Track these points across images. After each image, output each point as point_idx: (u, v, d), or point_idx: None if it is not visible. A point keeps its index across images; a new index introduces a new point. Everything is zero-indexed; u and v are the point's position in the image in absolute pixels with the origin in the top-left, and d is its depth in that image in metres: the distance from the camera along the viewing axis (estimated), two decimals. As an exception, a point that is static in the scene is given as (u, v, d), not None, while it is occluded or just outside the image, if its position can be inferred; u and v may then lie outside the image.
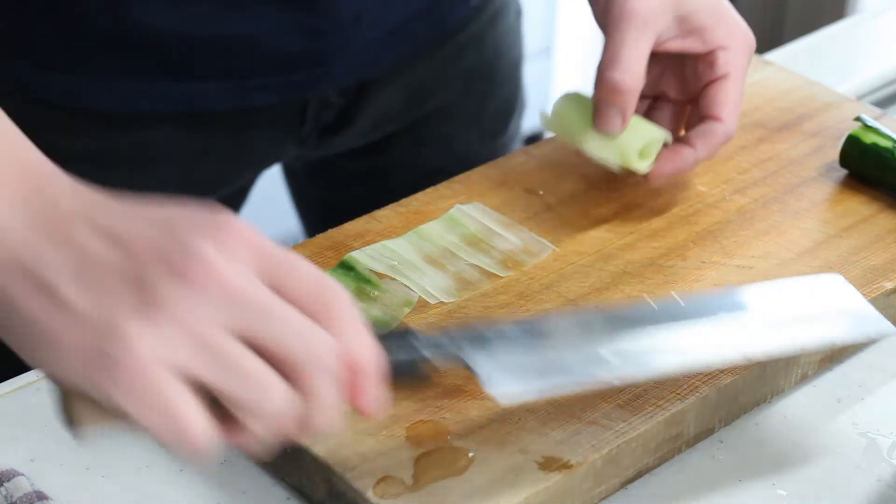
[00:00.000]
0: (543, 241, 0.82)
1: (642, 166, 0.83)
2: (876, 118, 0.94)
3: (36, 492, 0.67)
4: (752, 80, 1.00)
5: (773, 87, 1.00)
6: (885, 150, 0.87)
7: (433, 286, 0.79)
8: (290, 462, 0.68)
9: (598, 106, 0.82)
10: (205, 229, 0.54)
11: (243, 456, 0.71)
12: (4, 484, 0.67)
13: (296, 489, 0.69)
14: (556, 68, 2.59)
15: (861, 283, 0.79)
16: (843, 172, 0.90)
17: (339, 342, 0.56)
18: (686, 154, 0.84)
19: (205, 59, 0.90)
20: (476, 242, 0.82)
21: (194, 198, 0.81)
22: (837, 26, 1.21)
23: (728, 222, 0.85)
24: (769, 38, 2.41)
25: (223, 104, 0.93)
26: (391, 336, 0.62)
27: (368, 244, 0.82)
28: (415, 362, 0.62)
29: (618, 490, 0.70)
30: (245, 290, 0.54)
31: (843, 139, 0.89)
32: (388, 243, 0.82)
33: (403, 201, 0.86)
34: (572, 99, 0.85)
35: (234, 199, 1.05)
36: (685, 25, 0.83)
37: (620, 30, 0.82)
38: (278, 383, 0.54)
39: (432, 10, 0.98)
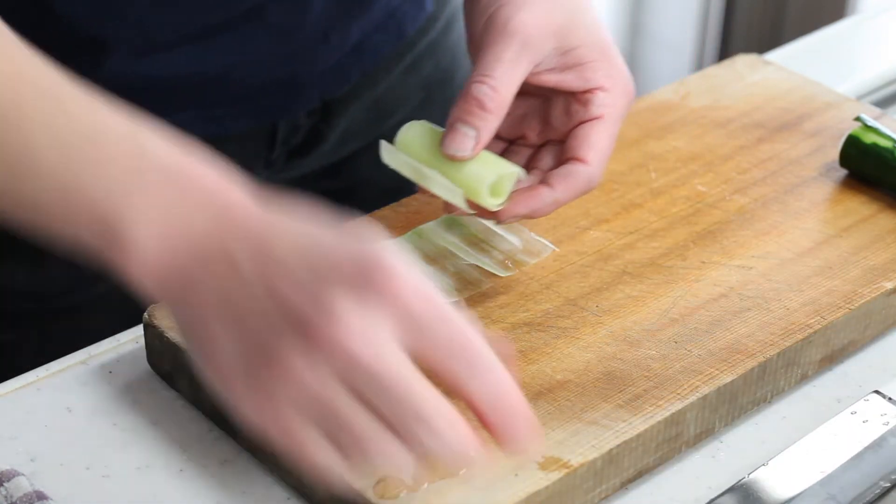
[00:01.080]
0: (543, 240, 0.82)
1: (493, 203, 0.75)
2: (876, 118, 0.94)
3: (36, 492, 0.67)
4: (752, 80, 1.00)
5: (773, 87, 1.00)
6: (885, 150, 0.87)
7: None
8: (290, 462, 0.68)
9: (452, 124, 0.75)
10: (354, 282, 0.56)
11: (243, 456, 0.71)
12: (4, 484, 0.67)
13: (296, 489, 0.69)
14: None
15: (861, 283, 0.79)
16: (843, 172, 0.90)
17: (482, 393, 0.58)
18: (544, 194, 0.76)
19: (177, 95, 0.89)
20: (476, 242, 0.82)
21: None
22: (837, 26, 1.21)
23: (728, 222, 0.85)
24: (769, 38, 2.41)
25: (194, 133, 0.92)
26: None
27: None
28: None
29: (618, 490, 0.70)
30: (380, 361, 0.56)
31: (843, 139, 0.89)
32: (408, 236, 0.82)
33: (403, 201, 0.86)
34: (417, 128, 0.78)
35: None
36: (567, 59, 0.77)
37: (499, 47, 0.75)
38: (390, 443, 0.57)
39: (391, 19, 0.97)
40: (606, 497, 0.70)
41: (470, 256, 0.81)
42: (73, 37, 0.84)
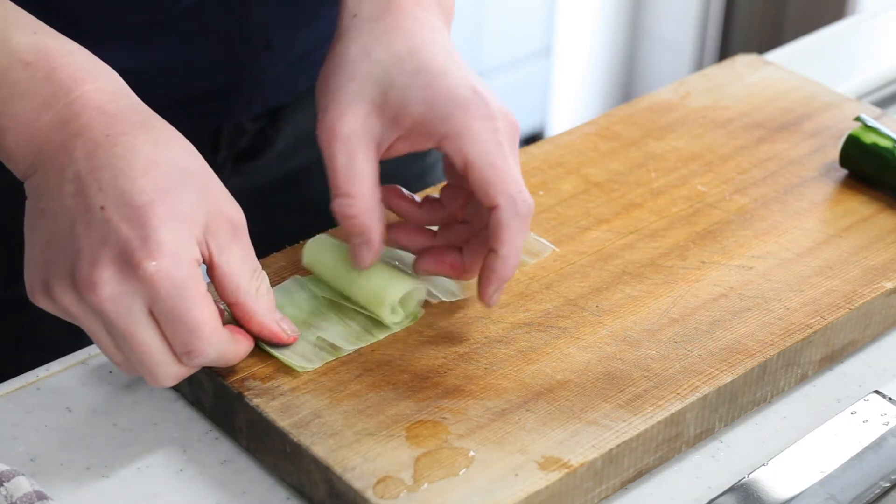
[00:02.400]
0: (543, 241, 0.82)
1: (393, 320, 0.76)
2: (876, 118, 0.94)
3: (36, 492, 0.67)
4: (752, 80, 1.00)
5: (773, 87, 1.00)
6: (885, 150, 0.87)
7: (435, 286, 0.79)
8: (290, 462, 0.69)
9: (348, 241, 0.76)
10: (121, 260, 0.66)
11: (243, 456, 0.71)
12: (4, 484, 0.67)
13: (296, 489, 0.69)
14: (556, 68, 2.59)
15: (861, 283, 0.79)
16: (843, 172, 0.90)
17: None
18: (494, 264, 0.73)
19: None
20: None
21: None
22: (837, 26, 1.21)
23: (728, 222, 0.85)
24: (769, 38, 2.41)
25: None
26: None
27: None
28: None
29: (618, 490, 0.70)
30: (130, 327, 0.67)
31: (843, 139, 0.89)
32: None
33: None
34: (323, 241, 0.80)
35: None
36: (401, 125, 0.74)
37: (328, 152, 0.74)
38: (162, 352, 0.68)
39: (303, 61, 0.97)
40: (606, 497, 0.70)
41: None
42: None
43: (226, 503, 0.69)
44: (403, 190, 0.79)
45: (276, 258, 0.81)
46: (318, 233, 0.82)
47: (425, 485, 0.65)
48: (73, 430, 0.72)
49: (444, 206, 0.79)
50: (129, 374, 0.70)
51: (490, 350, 0.74)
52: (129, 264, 0.65)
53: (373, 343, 0.74)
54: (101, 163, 0.67)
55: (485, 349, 0.74)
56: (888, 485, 0.70)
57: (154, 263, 0.65)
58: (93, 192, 0.66)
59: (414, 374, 0.72)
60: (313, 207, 1.05)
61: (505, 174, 0.72)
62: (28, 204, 0.69)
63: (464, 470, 0.66)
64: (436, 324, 0.76)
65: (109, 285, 0.66)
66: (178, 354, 0.68)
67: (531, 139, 2.46)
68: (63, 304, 0.67)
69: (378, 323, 0.76)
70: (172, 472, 0.70)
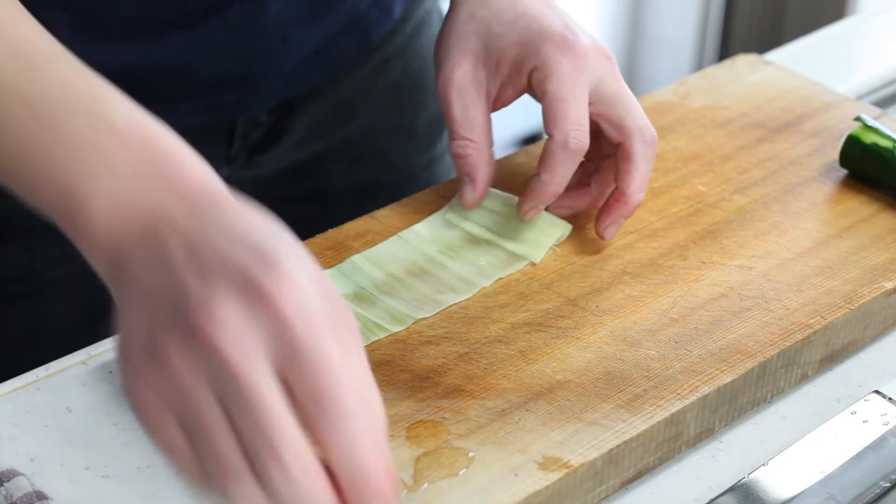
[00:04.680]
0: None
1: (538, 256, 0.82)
2: (876, 118, 0.94)
3: (36, 492, 0.67)
4: (752, 80, 1.00)
5: (773, 87, 1.00)
6: (885, 150, 0.87)
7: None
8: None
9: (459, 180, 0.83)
10: (245, 284, 0.54)
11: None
12: (4, 484, 0.67)
13: (296, 489, 0.69)
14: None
15: (861, 283, 0.79)
16: (843, 172, 0.90)
17: (337, 453, 0.53)
18: (534, 183, 0.81)
19: (133, 86, 0.89)
20: (479, 242, 0.82)
21: None
22: (837, 26, 1.21)
23: (728, 222, 0.85)
24: (769, 38, 2.41)
25: None
26: None
27: (368, 244, 0.82)
28: None
29: (618, 490, 0.70)
30: (249, 379, 0.53)
31: (843, 139, 0.89)
32: (388, 243, 0.82)
33: (404, 201, 0.86)
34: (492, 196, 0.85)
35: None
36: (502, 71, 0.83)
37: (445, 101, 0.82)
38: (243, 473, 0.54)
39: (355, 25, 0.97)
40: (606, 497, 0.70)
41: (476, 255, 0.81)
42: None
43: (226, 503, 0.69)
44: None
45: (276, 258, 0.81)
46: (327, 222, 0.84)
47: (425, 485, 0.65)
48: (73, 430, 0.72)
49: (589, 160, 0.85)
50: (220, 485, 0.55)
51: (490, 350, 0.74)
52: (252, 290, 0.54)
53: (373, 343, 0.74)
54: (210, 220, 0.58)
55: (485, 349, 0.74)
56: (888, 485, 0.70)
57: (281, 290, 0.54)
58: (203, 240, 0.57)
59: (414, 374, 0.72)
60: (322, 196, 1.05)
61: (568, 109, 0.79)
62: (116, 284, 0.59)
63: (464, 470, 0.66)
64: (436, 324, 0.76)
65: (230, 317, 0.53)
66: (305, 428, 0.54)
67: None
68: (171, 364, 0.54)
69: (379, 321, 0.75)
70: (172, 472, 0.70)
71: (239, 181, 1.07)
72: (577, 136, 0.79)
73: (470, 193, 0.82)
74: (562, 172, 0.80)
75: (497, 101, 0.84)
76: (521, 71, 0.82)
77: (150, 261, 0.57)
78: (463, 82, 0.82)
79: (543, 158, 0.80)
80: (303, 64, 0.95)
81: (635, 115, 0.81)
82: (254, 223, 0.58)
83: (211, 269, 0.55)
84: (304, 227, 0.87)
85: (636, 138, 0.81)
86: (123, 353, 0.57)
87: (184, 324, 0.54)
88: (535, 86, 0.81)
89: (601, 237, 0.82)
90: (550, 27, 0.81)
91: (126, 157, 0.60)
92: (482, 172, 0.82)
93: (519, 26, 0.82)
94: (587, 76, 0.81)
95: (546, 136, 0.81)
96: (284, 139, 0.99)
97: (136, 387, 0.55)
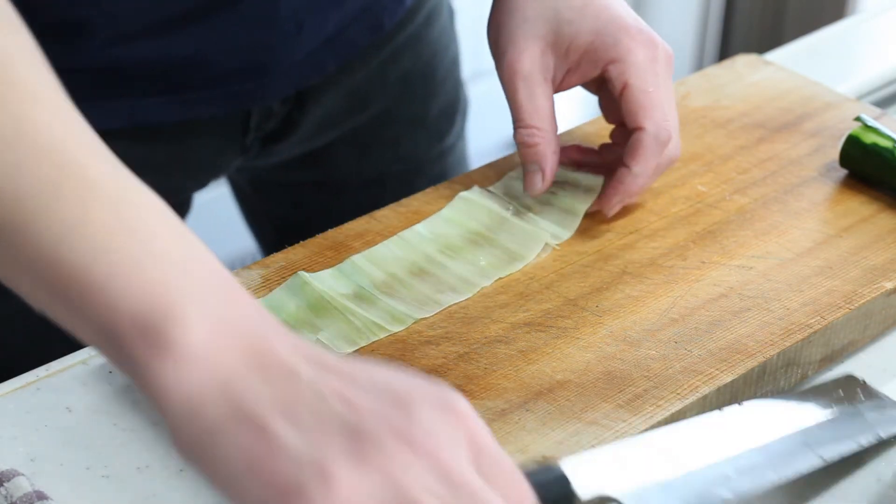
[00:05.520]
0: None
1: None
2: (876, 118, 0.94)
3: (36, 492, 0.67)
4: (752, 80, 1.00)
5: (773, 87, 1.00)
6: (885, 150, 0.87)
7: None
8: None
9: (523, 168, 0.84)
10: (433, 405, 0.53)
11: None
12: (4, 484, 0.67)
13: (296, 489, 0.69)
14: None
15: (861, 283, 0.79)
16: (843, 172, 0.90)
17: None
18: (624, 176, 0.82)
19: (150, 78, 0.90)
20: (479, 242, 0.82)
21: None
22: (837, 26, 1.20)
23: (728, 222, 0.85)
24: (769, 38, 2.41)
25: (165, 117, 0.92)
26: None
27: (368, 244, 0.82)
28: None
29: (618, 490, 0.70)
30: (461, 470, 0.52)
31: (843, 139, 0.89)
32: (388, 243, 0.82)
33: (404, 201, 0.86)
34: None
35: (177, 211, 1.03)
36: (570, 58, 0.83)
37: (510, 88, 0.82)
38: None
39: (368, 13, 0.98)
40: (606, 497, 0.70)
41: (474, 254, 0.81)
42: (50, 19, 0.83)
43: (226, 503, 0.69)
44: (582, 146, 0.88)
45: (276, 258, 0.81)
46: (336, 211, 0.86)
47: (425, 485, 0.65)
48: (73, 430, 0.72)
49: (618, 145, 0.85)
50: None
51: (490, 350, 0.74)
52: (447, 406, 0.53)
53: (373, 343, 0.74)
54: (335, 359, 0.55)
55: (485, 349, 0.74)
56: (867, 444, 0.70)
57: (465, 404, 0.54)
58: (360, 372, 0.54)
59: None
60: (331, 184, 1.06)
61: (655, 101, 0.80)
62: (223, 403, 0.53)
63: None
64: (436, 324, 0.76)
65: (439, 429, 0.52)
66: None
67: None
68: (387, 472, 0.51)
69: (379, 321, 0.75)
70: (172, 472, 0.70)
71: (251, 169, 1.09)
72: (666, 125, 0.81)
73: (539, 182, 0.83)
74: (653, 164, 0.81)
75: (561, 85, 0.84)
76: (594, 61, 0.82)
77: (281, 384, 0.53)
78: (530, 68, 0.82)
79: (634, 151, 0.81)
80: (316, 52, 0.95)
81: (662, 112, 0.81)
82: (364, 367, 0.55)
83: (400, 398, 0.53)
84: (312, 217, 0.88)
85: (649, 129, 0.81)
86: (280, 471, 0.51)
87: (397, 435, 0.51)
88: (613, 78, 0.81)
89: (606, 214, 0.83)
90: (623, 18, 0.82)
91: (221, 295, 0.55)
92: (550, 161, 0.82)
93: (590, 14, 0.82)
94: (662, 67, 0.82)
95: (630, 129, 0.81)
96: (298, 130, 1.00)
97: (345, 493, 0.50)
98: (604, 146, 0.87)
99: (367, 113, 1.03)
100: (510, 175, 0.88)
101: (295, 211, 1.09)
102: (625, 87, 0.81)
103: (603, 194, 0.83)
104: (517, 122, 0.82)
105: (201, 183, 1.02)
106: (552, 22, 0.82)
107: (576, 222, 0.84)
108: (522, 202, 0.85)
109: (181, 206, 1.04)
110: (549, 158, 0.82)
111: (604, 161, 0.86)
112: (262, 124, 0.97)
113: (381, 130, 1.05)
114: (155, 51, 0.88)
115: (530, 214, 0.84)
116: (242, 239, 1.42)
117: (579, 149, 0.88)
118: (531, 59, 0.82)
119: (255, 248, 1.23)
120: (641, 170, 0.81)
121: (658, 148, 0.81)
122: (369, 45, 0.99)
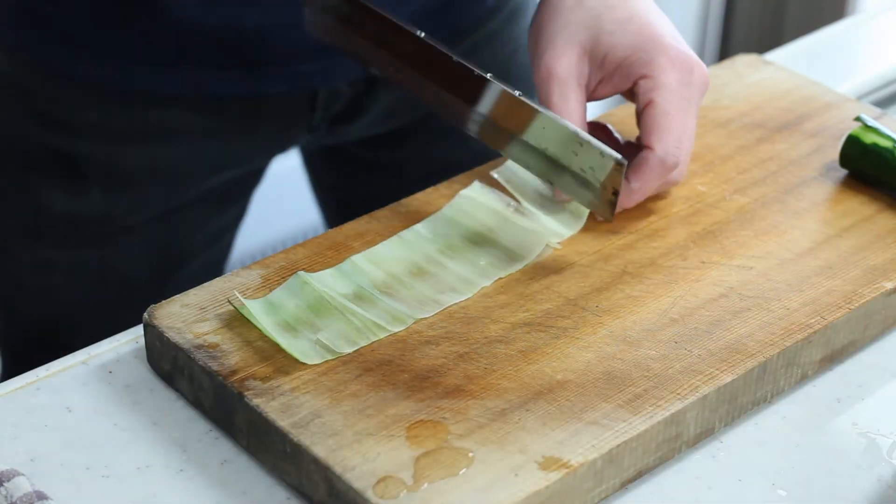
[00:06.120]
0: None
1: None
2: (876, 118, 0.94)
3: (36, 492, 0.67)
4: (752, 80, 1.00)
5: (773, 87, 1.00)
6: (885, 150, 0.87)
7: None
8: (290, 462, 0.68)
9: None
10: None
11: (243, 456, 0.71)
12: (4, 484, 0.67)
13: (296, 489, 0.69)
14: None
15: (861, 283, 0.79)
16: (843, 172, 0.90)
17: None
18: (622, 189, 0.81)
19: (220, 48, 0.93)
20: (479, 242, 0.82)
21: (204, 174, 0.82)
22: (837, 26, 1.21)
23: (728, 222, 0.85)
24: (769, 38, 2.41)
25: (234, 90, 0.95)
26: None
27: (368, 244, 0.82)
28: None
29: (618, 490, 0.70)
30: None
31: (843, 139, 0.89)
32: (388, 243, 0.82)
33: (404, 201, 0.86)
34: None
35: (250, 181, 1.07)
36: (605, 68, 0.83)
37: (544, 90, 0.82)
38: None
39: (445, 8, 0.98)
40: (606, 497, 0.70)
41: (475, 254, 0.81)
42: None
43: (226, 503, 0.69)
44: (612, 130, 0.88)
45: (277, 258, 0.81)
46: (400, 194, 0.86)
47: (425, 485, 0.65)
48: (73, 430, 0.72)
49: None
50: None
51: (490, 350, 0.74)
52: None
53: (373, 343, 0.74)
54: None
55: (485, 349, 0.74)
56: None
57: None
58: None
59: (414, 374, 0.72)
60: (397, 168, 1.07)
61: (673, 125, 0.80)
62: None
63: (464, 470, 0.66)
64: (436, 324, 0.76)
65: None
66: None
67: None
68: None
69: (379, 321, 0.75)
70: (172, 472, 0.70)
71: (319, 148, 1.11)
72: (676, 152, 0.81)
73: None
74: (653, 184, 0.82)
75: (592, 95, 0.84)
76: (627, 74, 0.82)
77: None
78: (566, 73, 0.82)
79: (638, 168, 0.81)
80: (421, 21, 0.95)
81: (676, 137, 0.81)
82: None
83: None
84: (375, 195, 0.90)
85: (658, 152, 0.81)
86: None
87: None
88: (640, 94, 0.82)
89: (598, 219, 0.83)
90: (664, 37, 0.82)
91: None
92: None
93: (632, 29, 0.82)
94: (694, 92, 0.82)
95: (642, 146, 0.82)
96: (366, 114, 1.01)
97: None
98: (628, 143, 0.87)
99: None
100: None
101: (361, 187, 1.12)
102: (648, 104, 0.81)
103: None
104: None
105: (270, 155, 1.05)
106: (593, 30, 0.82)
107: (581, 221, 0.84)
108: (528, 196, 0.85)
109: (252, 177, 1.07)
110: None
111: (623, 155, 0.86)
112: (330, 105, 0.99)
113: None
114: (226, 19, 0.90)
115: (534, 211, 0.84)
116: (311, 212, 1.44)
117: (607, 133, 0.88)
118: (568, 63, 0.82)
119: (320, 221, 1.24)
120: (640, 187, 0.82)
121: (662, 171, 0.81)
122: (444, 38, 1.00)
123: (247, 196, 1.09)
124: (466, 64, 0.82)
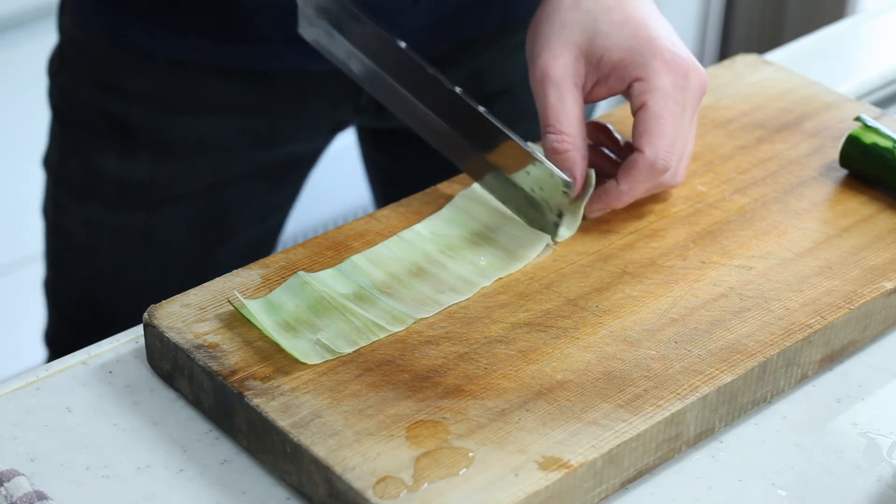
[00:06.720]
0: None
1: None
2: (876, 118, 0.94)
3: (36, 492, 0.67)
4: (752, 80, 1.00)
5: (773, 87, 1.00)
6: (885, 150, 0.87)
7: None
8: (290, 462, 0.69)
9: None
10: None
11: (243, 456, 0.71)
12: (4, 484, 0.67)
13: (296, 489, 0.69)
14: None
15: (861, 283, 0.79)
16: (843, 172, 0.90)
17: None
18: (610, 188, 0.82)
19: (268, 21, 0.94)
20: (479, 242, 0.82)
21: (251, 150, 0.90)
22: (837, 26, 1.21)
23: (728, 222, 0.85)
24: (769, 38, 2.41)
25: (281, 65, 0.97)
26: None
27: (368, 244, 0.82)
28: None
29: (618, 490, 0.70)
30: None
31: (843, 139, 0.89)
32: (388, 243, 0.82)
33: (404, 201, 0.86)
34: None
35: (304, 162, 1.09)
36: (601, 70, 0.83)
37: (541, 91, 0.82)
38: None
39: (450, 19, 0.98)
40: (606, 497, 0.70)
41: (475, 253, 0.81)
42: None
43: (226, 503, 0.69)
44: (612, 130, 0.88)
45: (277, 258, 0.81)
46: (445, 177, 0.87)
47: (425, 485, 0.65)
48: (73, 430, 0.72)
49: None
50: None
51: (490, 350, 0.74)
52: None
53: (373, 343, 0.74)
54: None
55: (485, 349, 0.74)
56: None
57: None
58: None
59: (414, 374, 0.72)
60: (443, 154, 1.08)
61: (665, 129, 0.80)
62: None
63: (464, 470, 0.66)
64: (436, 324, 0.76)
65: None
66: None
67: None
68: None
69: (379, 321, 0.75)
70: (172, 472, 0.70)
71: (370, 130, 1.12)
72: (667, 157, 0.80)
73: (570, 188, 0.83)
74: (642, 187, 0.81)
75: (587, 97, 0.84)
76: (622, 77, 0.82)
77: None
78: (562, 74, 0.82)
79: (627, 170, 0.81)
80: (430, 28, 0.96)
81: (668, 141, 0.81)
82: None
83: None
84: (423, 177, 0.91)
85: (647, 155, 0.81)
86: None
87: None
88: (634, 96, 0.82)
89: (587, 216, 0.84)
90: (660, 40, 0.82)
91: None
92: (580, 167, 0.82)
93: (628, 31, 0.82)
94: (689, 95, 0.82)
95: (634, 148, 0.81)
96: None
97: None
98: (628, 143, 0.87)
99: (488, 92, 1.04)
100: None
101: (409, 167, 1.12)
102: (641, 107, 0.81)
103: (589, 200, 0.83)
104: (546, 126, 0.82)
105: (319, 135, 1.06)
106: (589, 31, 0.82)
107: (577, 220, 0.84)
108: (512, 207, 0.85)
109: (306, 158, 1.09)
110: (579, 164, 0.82)
111: (621, 156, 0.86)
112: None
113: (500, 110, 1.06)
114: (270, 4, 0.92)
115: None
116: (362, 191, 1.44)
117: (607, 132, 0.88)
118: (564, 64, 0.82)
119: (370, 200, 1.25)
120: (628, 189, 0.82)
121: (651, 174, 0.81)
122: (494, 29, 1.00)
123: (301, 177, 1.11)
124: (438, 77, 0.82)
